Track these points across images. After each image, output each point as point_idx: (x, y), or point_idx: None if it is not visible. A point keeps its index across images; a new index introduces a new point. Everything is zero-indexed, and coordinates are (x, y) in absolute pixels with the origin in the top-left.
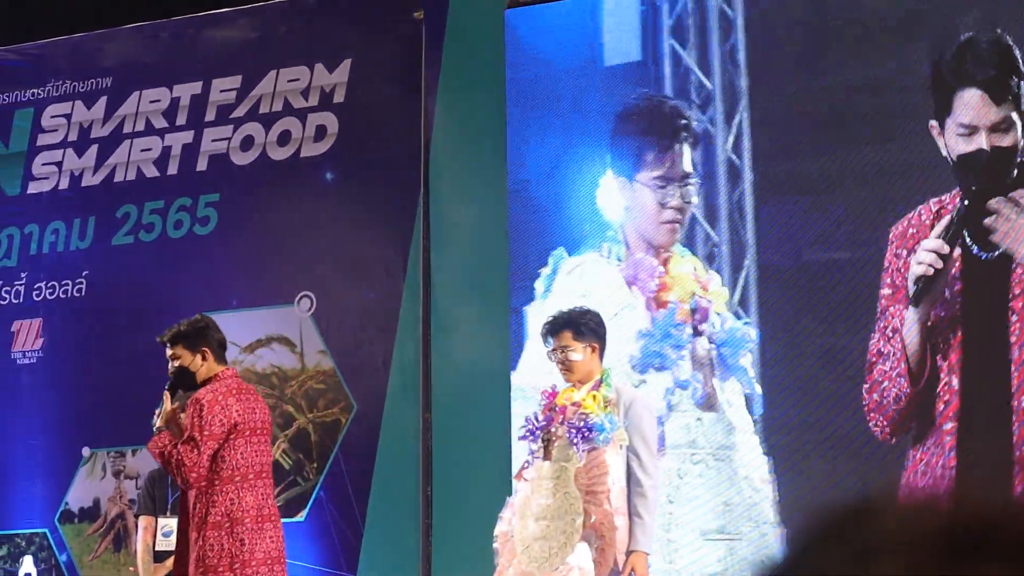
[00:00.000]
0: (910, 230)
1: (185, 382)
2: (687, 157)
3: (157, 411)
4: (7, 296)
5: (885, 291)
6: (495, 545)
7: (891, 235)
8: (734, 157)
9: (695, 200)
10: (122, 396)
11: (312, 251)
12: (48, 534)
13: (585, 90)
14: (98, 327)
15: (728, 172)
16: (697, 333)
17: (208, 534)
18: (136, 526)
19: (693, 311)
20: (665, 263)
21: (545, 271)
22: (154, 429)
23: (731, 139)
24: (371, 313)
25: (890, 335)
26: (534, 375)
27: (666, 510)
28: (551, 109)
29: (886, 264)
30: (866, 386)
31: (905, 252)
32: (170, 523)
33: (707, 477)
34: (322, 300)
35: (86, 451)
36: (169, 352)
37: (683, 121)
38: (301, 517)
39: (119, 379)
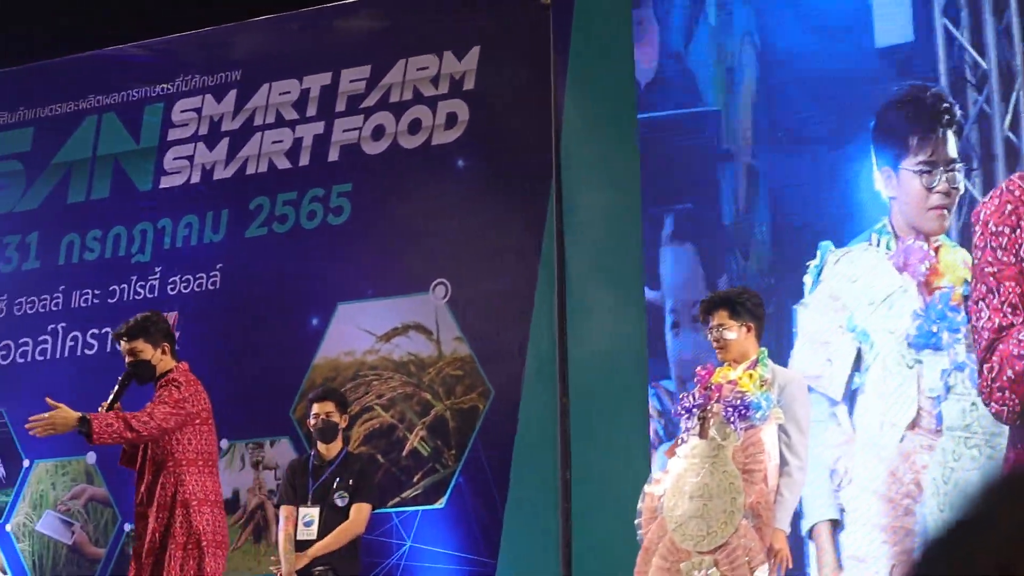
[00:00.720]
0: (1007, 206)
1: (143, 375)
2: (951, 143)
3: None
4: (142, 291)
5: (990, 268)
6: (638, 521)
7: (983, 215)
8: (1012, 136)
9: (961, 187)
10: (259, 387)
11: (446, 238)
12: None
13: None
14: (233, 319)
15: (1006, 152)
16: None
17: (203, 509)
18: (276, 516)
19: (966, 297)
20: (936, 251)
21: (813, 263)
22: (80, 421)
23: (1008, 119)
24: (506, 299)
25: (1008, 310)
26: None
27: (941, 490)
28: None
29: (981, 244)
30: (987, 366)
31: (1007, 229)
32: (311, 512)
33: (980, 463)
34: (457, 287)
35: (224, 443)
36: (127, 346)
37: (945, 105)
38: (441, 504)
39: (255, 370)
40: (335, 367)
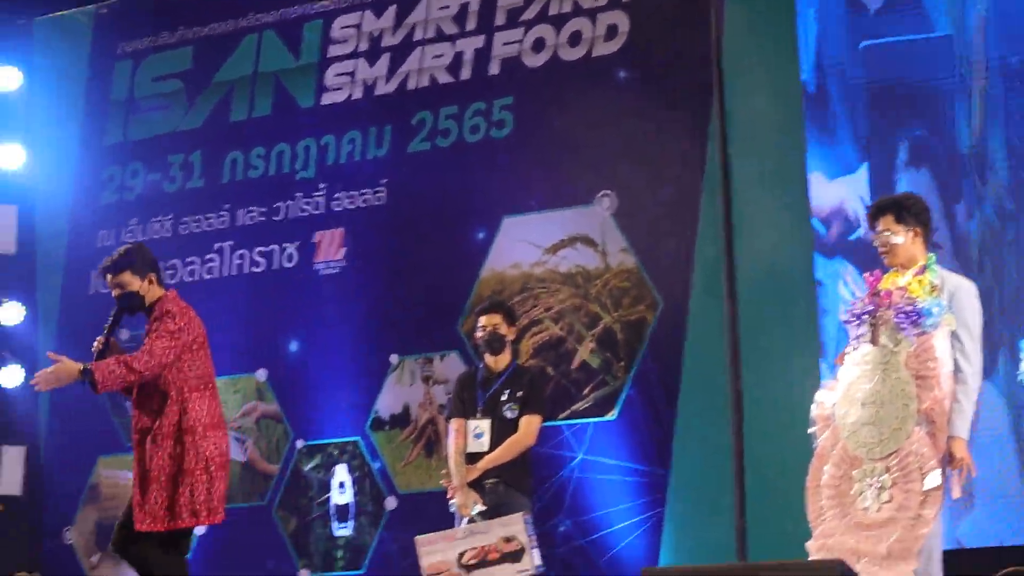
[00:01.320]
0: None
1: (134, 306)
2: None
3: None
4: (307, 208)
5: None
6: (811, 429)
7: None
8: None
9: None
10: (427, 302)
11: (609, 150)
12: (360, 442)
13: None
14: (400, 234)
15: None
16: None
17: (164, 443)
18: (448, 430)
19: None
20: None
21: None
22: (82, 373)
23: None
24: (671, 209)
25: None
26: None
27: None
28: None
29: None
30: None
31: None
32: (481, 425)
33: None
34: (622, 198)
35: (394, 358)
36: (113, 280)
37: None
38: (612, 416)
39: (423, 285)
40: (501, 280)
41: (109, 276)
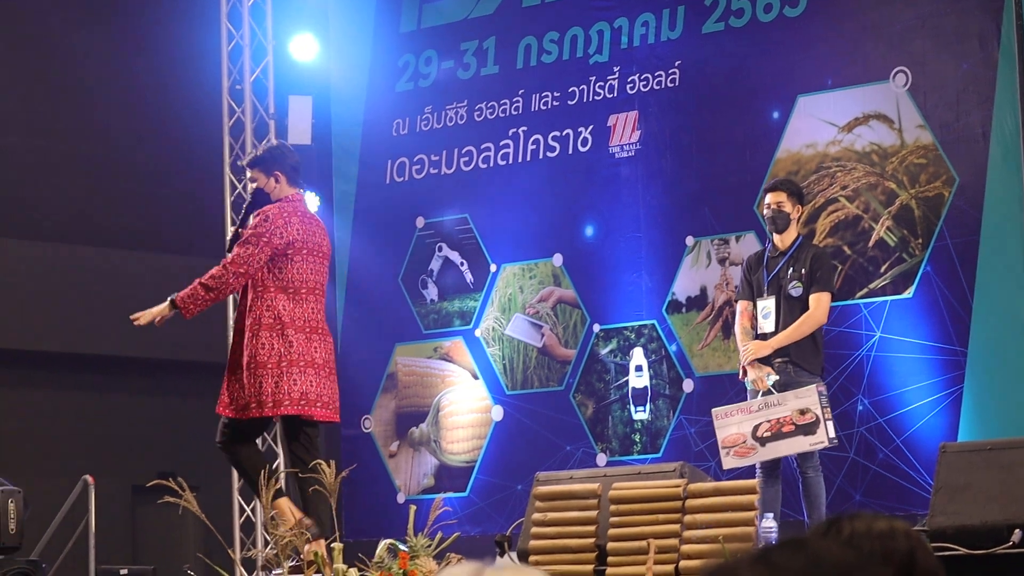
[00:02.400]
0: None
1: (260, 201)
2: None
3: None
4: (601, 91)
5: None
6: None
7: None
8: None
9: None
10: (724, 183)
11: (904, 25)
12: (656, 325)
13: None
14: (693, 116)
15: None
16: None
17: (262, 335)
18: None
19: None
20: None
21: None
22: (171, 303)
23: None
24: (967, 84)
25: None
26: None
27: None
28: None
29: None
30: None
31: None
32: (767, 304)
33: None
34: (917, 74)
35: (690, 240)
36: (248, 175)
37: None
38: (908, 294)
39: (718, 166)
40: (797, 160)
41: (247, 171)
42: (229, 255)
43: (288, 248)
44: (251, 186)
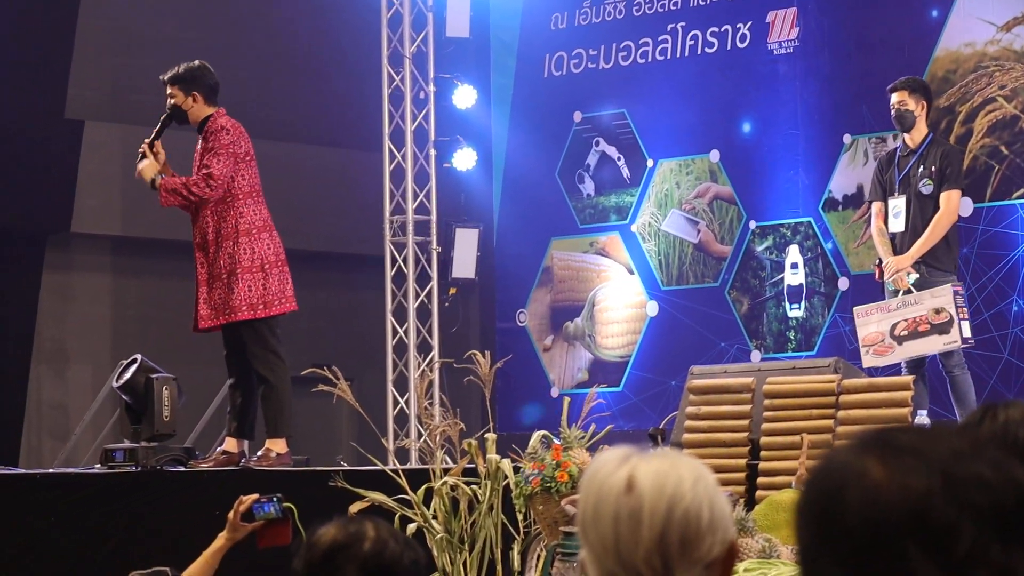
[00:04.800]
0: None
1: (175, 117)
2: None
3: (142, 159)
4: None
5: None
6: None
7: None
8: None
9: None
10: (881, 81)
11: None
12: (812, 222)
13: None
14: (853, 12)
15: None
16: None
17: (241, 240)
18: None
19: None
20: None
21: None
22: (152, 183)
23: None
24: None
25: None
26: None
27: None
28: None
29: None
30: None
31: None
32: (898, 203)
33: None
34: None
35: (847, 138)
36: (168, 91)
37: None
38: None
39: (876, 64)
40: (955, 59)
41: (167, 87)
42: (205, 170)
43: (246, 155)
44: (169, 102)
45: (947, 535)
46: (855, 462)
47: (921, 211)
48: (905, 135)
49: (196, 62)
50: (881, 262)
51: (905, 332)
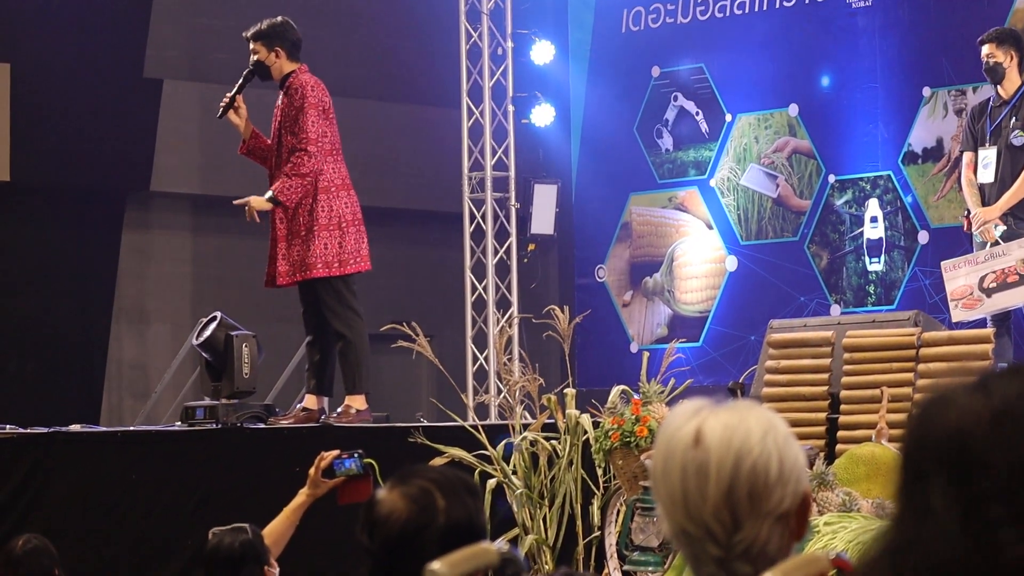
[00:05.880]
0: None
1: (258, 73)
2: None
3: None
4: None
5: None
6: None
7: None
8: None
9: None
10: (961, 33)
11: None
12: (892, 176)
13: None
14: None
15: None
16: None
17: (320, 197)
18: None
19: None
20: None
21: None
22: (273, 201)
23: None
24: None
25: None
26: None
27: None
28: None
29: None
30: None
31: None
32: (988, 154)
33: None
34: None
35: (926, 91)
36: (251, 47)
37: None
38: None
39: (955, 17)
40: None
41: (250, 43)
42: (304, 136)
43: (327, 112)
44: (252, 57)
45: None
46: (955, 395)
47: (1012, 162)
48: (998, 87)
49: (279, 18)
50: (969, 213)
51: (994, 284)
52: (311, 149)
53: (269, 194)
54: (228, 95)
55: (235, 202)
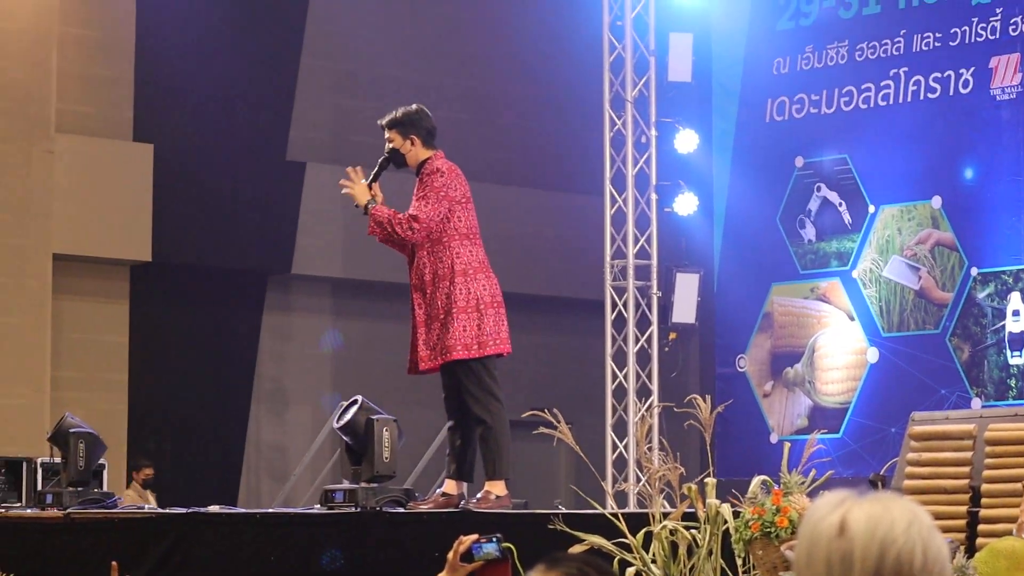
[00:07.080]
0: None
1: (394, 161)
2: None
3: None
4: (983, 32)
5: None
6: None
7: None
8: None
9: None
10: None
11: None
12: None
13: None
14: None
15: None
16: None
17: (456, 281)
18: None
19: None
20: None
21: None
22: (365, 208)
23: None
24: None
25: None
26: None
27: None
28: None
29: None
30: None
31: None
32: None
33: None
34: None
35: None
36: (386, 135)
37: None
38: None
39: None
40: None
41: (385, 131)
42: (415, 211)
43: (463, 198)
44: (388, 145)
45: None
46: None
47: None
48: None
49: (413, 106)
50: None
51: None
52: (414, 224)
53: (373, 203)
54: (364, 182)
55: (345, 172)
